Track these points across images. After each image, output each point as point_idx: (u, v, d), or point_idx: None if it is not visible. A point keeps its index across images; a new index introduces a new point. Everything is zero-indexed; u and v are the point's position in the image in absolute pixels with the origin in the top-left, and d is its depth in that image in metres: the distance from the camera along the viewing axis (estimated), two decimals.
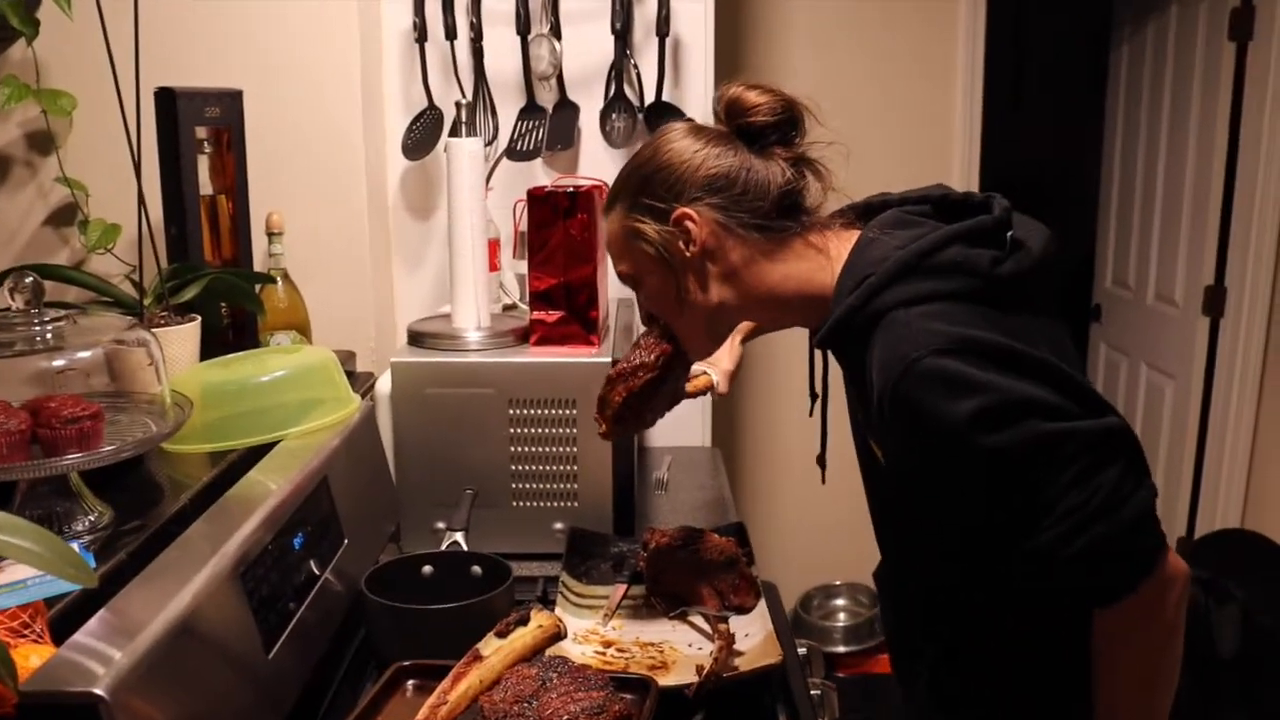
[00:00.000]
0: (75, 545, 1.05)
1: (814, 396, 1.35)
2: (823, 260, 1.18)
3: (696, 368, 1.61)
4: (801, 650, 1.49)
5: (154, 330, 1.40)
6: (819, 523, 2.99)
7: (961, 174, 3.04)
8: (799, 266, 1.18)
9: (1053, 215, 1.28)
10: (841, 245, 1.18)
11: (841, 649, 2.96)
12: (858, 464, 1.27)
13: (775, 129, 1.18)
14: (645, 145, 1.25)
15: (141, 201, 1.55)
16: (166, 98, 1.62)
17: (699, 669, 1.27)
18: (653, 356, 1.38)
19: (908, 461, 1.10)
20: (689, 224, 1.17)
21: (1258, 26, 2.86)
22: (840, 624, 3.05)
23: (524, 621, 1.21)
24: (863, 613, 3.03)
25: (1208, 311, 3.02)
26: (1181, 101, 3.11)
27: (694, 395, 1.62)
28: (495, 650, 1.17)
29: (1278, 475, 2.91)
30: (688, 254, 1.18)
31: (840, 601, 3.11)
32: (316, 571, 1.31)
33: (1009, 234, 1.11)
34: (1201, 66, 3.01)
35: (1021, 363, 1.00)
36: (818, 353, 1.31)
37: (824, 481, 1.37)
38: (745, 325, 1.67)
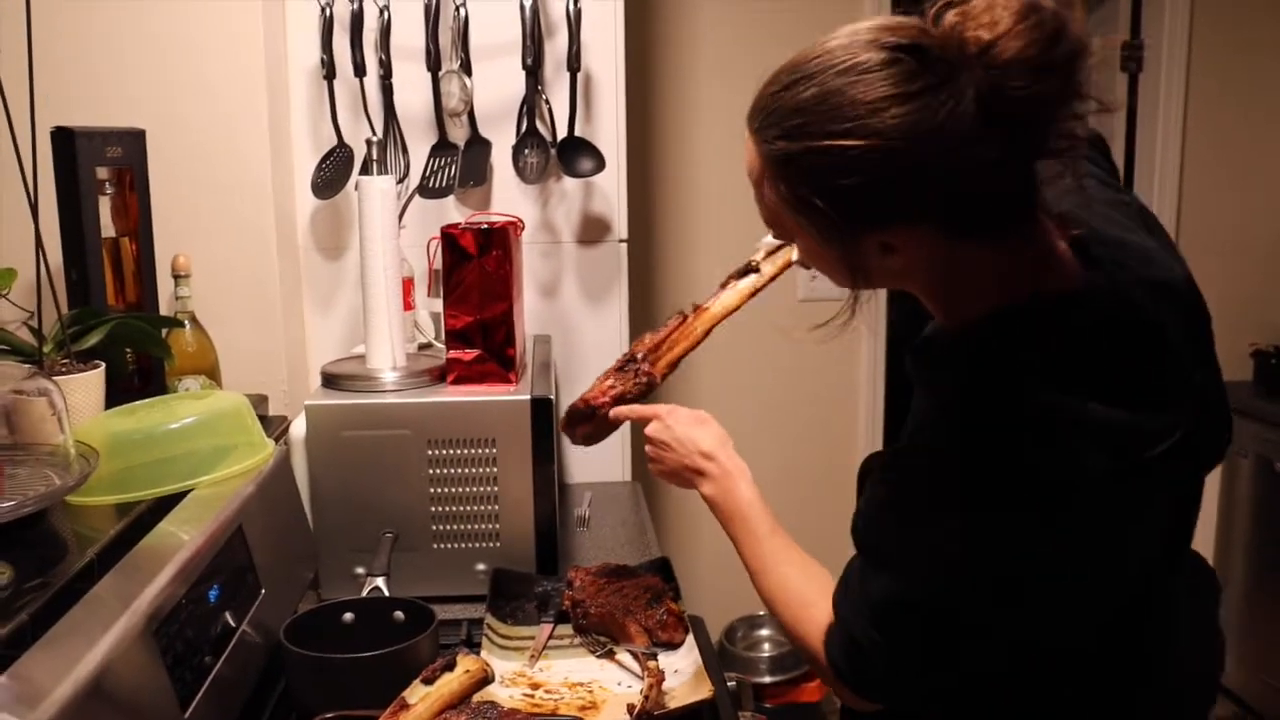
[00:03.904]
0: None
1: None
2: (1013, 275, 0.96)
3: (770, 240, 1.38)
4: (731, 684, 1.48)
5: (55, 378, 1.34)
6: None
7: None
8: (994, 270, 0.96)
9: None
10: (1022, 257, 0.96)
11: (767, 679, 2.95)
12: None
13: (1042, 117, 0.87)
14: (817, 90, 0.88)
15: (39, 245, 1.49)
16: (64, 138, 1.57)
17: (630, 708, 1.25)
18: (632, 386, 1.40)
19: None
20: (894, 245, 0.94)
21: (1147, 58, 2.97)
22: (765, 654, 3.05)
23: (450, 667, 1.19)
24: (787, 643, 3.03)
25: None
26: None
27: (761, 287, 1.42)
28: (422, 698, 1.14)
29: None
30: (878, 264, 0.96)
31: (764, 632, 3.11)
32: (233, 624, 1.27)
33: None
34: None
35: None
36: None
37: None
38: None
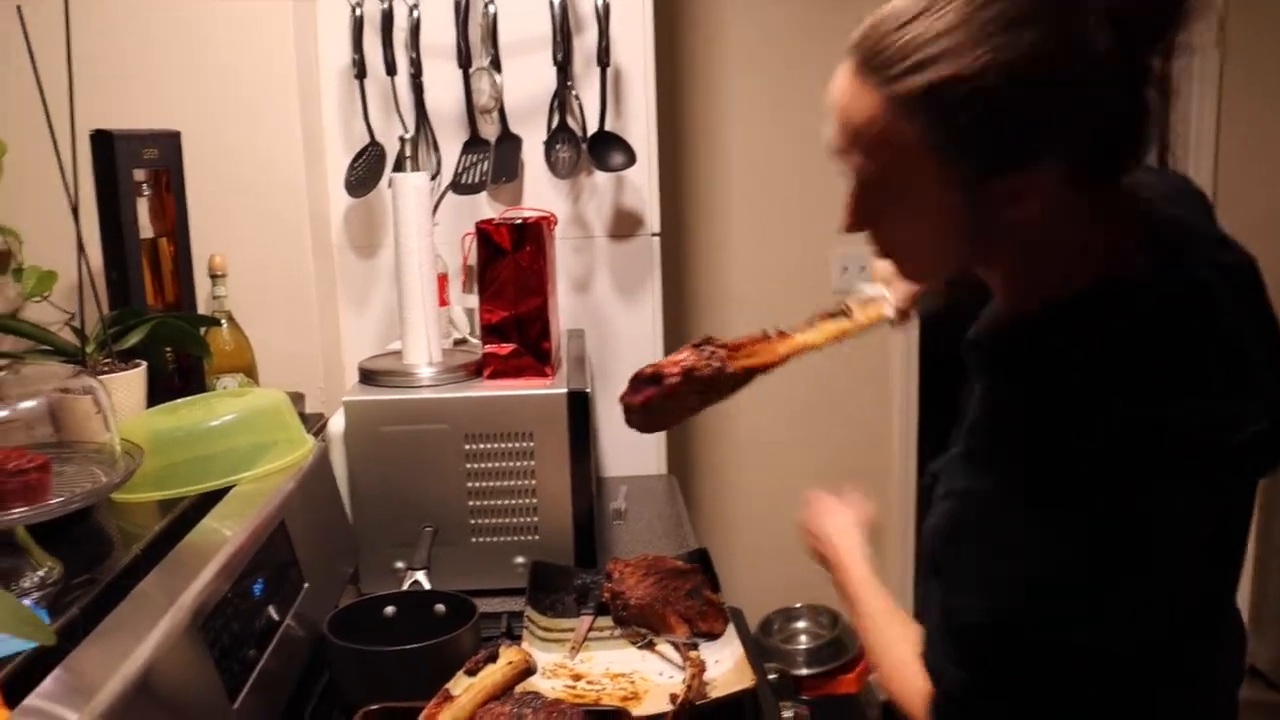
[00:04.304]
0: (26, 602, 1.01)
1: None
2: (1106, 240, 0.93)
3: (871, 289, 1.33)
4: (772, 676, 1.48)
5: (99, 377, 1.36)
6: (775, 546, 2.97)
7: None
8: (1090, 234, 0.93)
9: None
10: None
11: (804, 671, 2.94)
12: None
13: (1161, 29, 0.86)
14: (951, 18, 0.84)
15: (81, 247, 1.51)
16: (103, 140, 1.58)
17: (672, 698, 1.26)
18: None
19: None
20: (1022, 193, 0.88)
21: (1178, 40, 2.93)
22: (802, 646, 3.03)
23: (493, 658, 1.19)
24: (824, 634, 3.03)
25: None
26: None
27: (850, 333, 1.33)
28: (466, 689, 1.15)
29: None
30: (1000, 217, 0.90)
31: (801, 624, 3.10)
32: (277, 618, 1.28)
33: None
34: None
35: None
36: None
37: None
38: None
